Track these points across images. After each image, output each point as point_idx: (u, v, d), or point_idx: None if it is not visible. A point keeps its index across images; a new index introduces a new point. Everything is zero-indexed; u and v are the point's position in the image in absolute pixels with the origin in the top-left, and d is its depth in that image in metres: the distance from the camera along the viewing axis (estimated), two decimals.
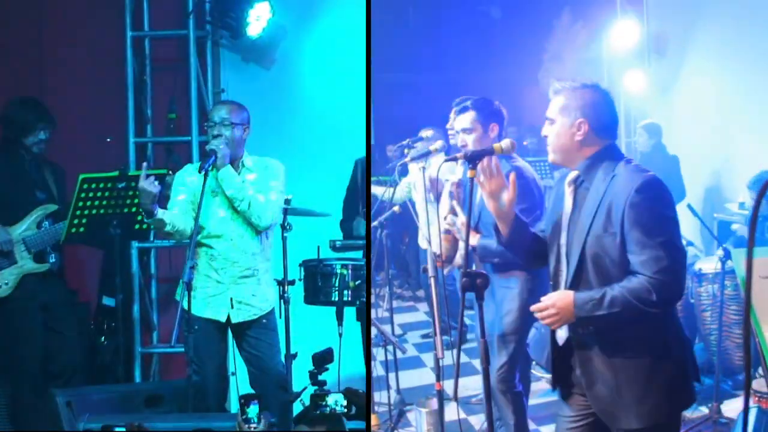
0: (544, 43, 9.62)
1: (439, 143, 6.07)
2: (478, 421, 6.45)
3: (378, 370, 6.73)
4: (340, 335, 5.92)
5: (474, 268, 5.24)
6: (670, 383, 3.72)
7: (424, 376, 7.72)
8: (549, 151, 3.96)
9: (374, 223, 7.25)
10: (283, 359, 5.80)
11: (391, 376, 6.66)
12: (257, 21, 7.17)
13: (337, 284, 6.03)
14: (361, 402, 4.28)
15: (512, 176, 3.90)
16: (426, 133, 7.31)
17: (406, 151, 6.65)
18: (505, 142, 4.43)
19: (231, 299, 5.60)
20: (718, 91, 8.91)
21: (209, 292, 5.59)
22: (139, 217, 6.13)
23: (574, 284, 3.78)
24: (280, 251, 5.97)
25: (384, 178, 9.00)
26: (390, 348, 6.49)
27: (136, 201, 6.07)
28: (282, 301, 5.90)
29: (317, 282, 6.08)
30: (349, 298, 6.05)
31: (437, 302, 5.05)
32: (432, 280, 5.09)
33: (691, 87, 9.40)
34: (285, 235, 6.02)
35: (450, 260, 5.33)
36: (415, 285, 11.20)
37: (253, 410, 4.40)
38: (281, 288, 5.92)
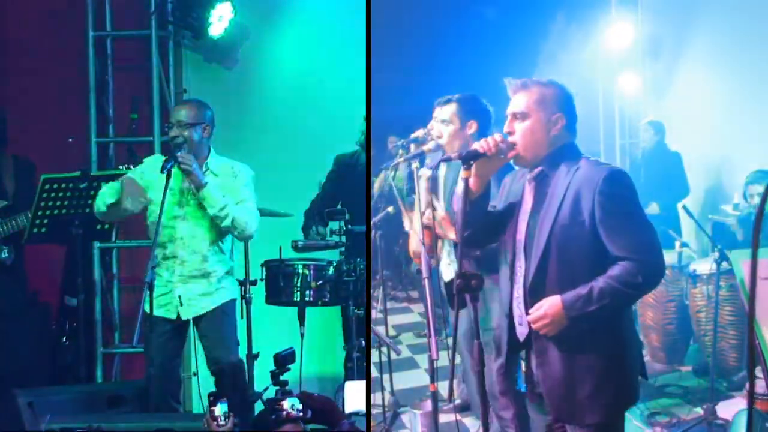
0: (539, 44, 9.62)
1: (431, 143, 6.10)
2: (472, 423, 6.41)
3: (372, 372, 6.70)
4: (302, 335, 5.94)
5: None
6: (621, 381, 3.76)
7: (418, 378, 7.62)
8: (517, 150, 3.83)
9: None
10: (238, 351, 5.82)
11: (385, 377, 6.66)
12: (219, 21, 7.19)
13: (298, 284, 6.05)
14: (315, 405, 4.29)
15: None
16: (420, 133, 7.33)
17: (401, 152, 6.68)
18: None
19: (179, 297, 5.65)
20: (712, 91, 8.86)
21: (160, 290, 5.61)
22: None
23: (537, 277, 3.77)
24: (241, 251, 6.00)
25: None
26: (384, 349, 6.49)
27: None
28: (243, 301, 5.94)
29: (279, 282, 6.08)
30: (311, 299, 6.06)
31: (431, 303, 5.04)
32: (426, 281, 5.09)
33: (686, 88, 9.35)
34: None
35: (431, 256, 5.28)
36: (408, 285, 11.21)
37: (220, 408, 4.42)
38: (243, 288, 5.95)
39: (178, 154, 5.51)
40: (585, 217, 3.66)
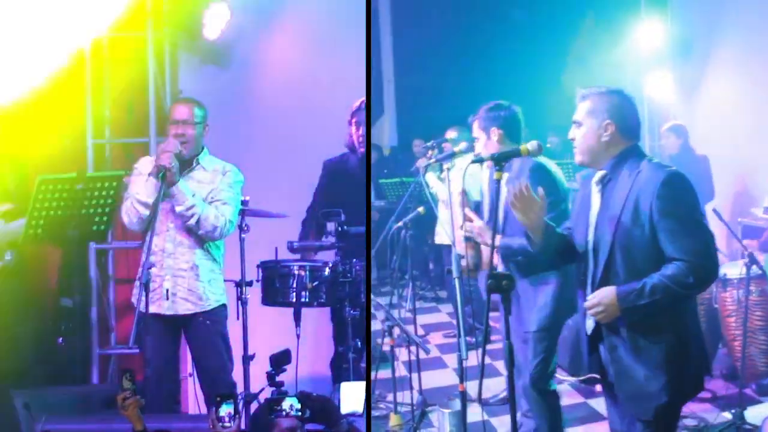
0: (568, 44, 9.64)
1: (463, 144, 6.16)
2: (500, 422, 6.45)
3: (400, 371, 6.76)
4: (298, 336, 5.95)
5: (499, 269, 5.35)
6: (686, 372, 3.93)
7: (446, 377, 7.74)
8: (576, 153, 4.18)
9: (398, 224, 7.30)
10: (229, 364, 5.88)
11: (412, 376, 6.68)
12: (215, 22, 7.18)
13: (294, 285, 6.06)
14: (315, 405, 4.30)
15: (540, 190, 4.10)
16: (451, 134, 7.37)
17: (430, 152, 6.70)
18: (532, 144, 4.56)
19: (167, 291, 5.68)
20: (742, 92, 8.91)
21: (151, 285, 5.63)
22: (97, 218, 6.13)
23: (603, 277, 4.01)
24: (237, 252, 6.00)
25: (408, 180, 9.09)
26: (413, 348, 6.52)
27: (94, 202, 6.08)
28: (239, 302, 5.95)
29: (275, 283, 6.10)
30: (307, 300, 6.08)
31: (461, 304, 5.11)
32: (456, 282, 5.15)
33: (715, 89, 9.39)
34: (243, 236, 6.05)
35: (477, 267, 5.39)
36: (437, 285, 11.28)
37: (226, 409, 4.43)
38: (239, 289, 5.96)
39: (161, 153, 5.60)
40: (645, 220, 3.88)
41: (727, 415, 6.27)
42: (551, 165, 5.26)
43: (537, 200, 4.08)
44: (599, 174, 4.12)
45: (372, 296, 6.82)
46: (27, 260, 6.66)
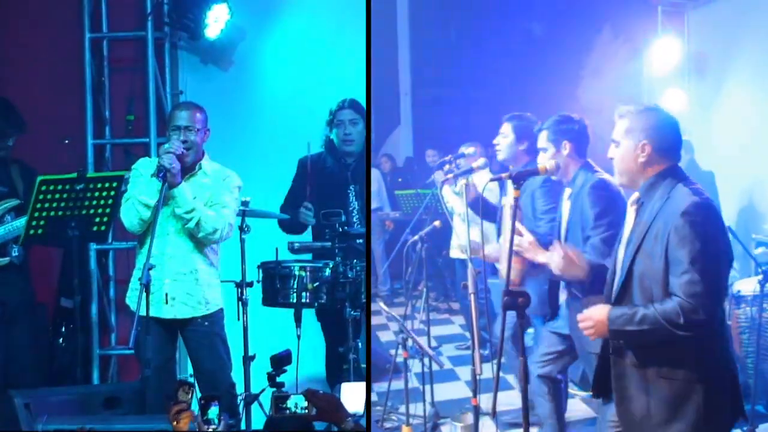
0: (584, 59, 9.64)
1: (481, 160, 6.15)
2: None
3: (413, 382, 6.74)
4: (299, 337, 5.94)
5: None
6: (703, 409, 3.76)
7: (458, 390, 7.70)
8: (615, 173, 4.14)
9: (414, 238, 7.29)
10: (228, 364, 5.93)
11: (425, 388, 6.68)
12: (215, 23, 7.20)
13: (295, 286, 6.05)
14: (320, 403, 4.30)
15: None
16: (468, 149, 7.38)
17: (447, 167, 6.71)
18: (550, 163, 4.60)
19: (166, 295, 5.71)
20: (758, 110, 8.87)
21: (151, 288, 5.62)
22: (98, 219, 6.13)
23: (619, 298, 3.95)
24: (238, 253, 6.00)
25: (423, 192, 9.10)
26: (426, 360, 6.51)
27: (94, 203, 6.08)
28: (240, 303, 5.95)
29: (275, 284, 6.09)
30: (308, 300, 6.07)
31: (476, 318, 5.10)
32: (472, 297, 5.15)
33: (731, 106, 9.34)
34: (243, 237, 6.04)
35: (524, 283, 5.36)
36: (451, 297, 11.28)
37: (213, 411, 4.42)
38: (239, 290, 5.96)
39: (163, 154, 5.60)
40: (661, 249, 3.78)
41: None
42: (612, 182, 5.11)
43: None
44: (634, 195, 4.05)
45: (387, 307, 6.85)
46: (32, 259, 6.68)
